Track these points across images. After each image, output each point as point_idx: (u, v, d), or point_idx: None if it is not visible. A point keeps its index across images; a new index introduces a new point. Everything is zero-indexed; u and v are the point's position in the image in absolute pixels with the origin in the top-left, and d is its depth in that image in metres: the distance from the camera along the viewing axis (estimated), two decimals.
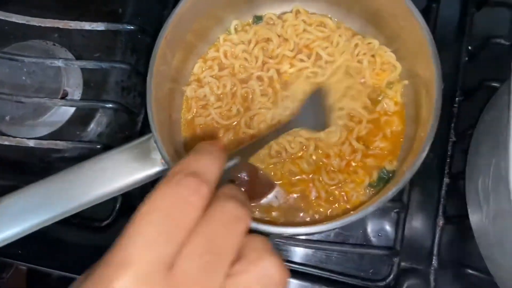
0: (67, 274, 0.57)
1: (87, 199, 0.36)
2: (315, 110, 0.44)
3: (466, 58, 0.57)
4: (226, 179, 0.29)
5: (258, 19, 0.51)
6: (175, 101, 0.48)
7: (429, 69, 0.40)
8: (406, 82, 0.49)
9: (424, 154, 0.38)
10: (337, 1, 0.49)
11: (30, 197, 0.35)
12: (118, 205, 0.56)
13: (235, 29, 0.51)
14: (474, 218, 0.42)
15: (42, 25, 0.55)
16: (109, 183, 0.35)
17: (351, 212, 0.38)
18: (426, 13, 0.59)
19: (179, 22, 0.40)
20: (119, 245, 0.23)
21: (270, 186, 0.46)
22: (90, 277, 0.23)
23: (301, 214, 0.46)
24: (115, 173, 0.36)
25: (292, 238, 0.50)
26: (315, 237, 0.52)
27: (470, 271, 0.46)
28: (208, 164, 0.26)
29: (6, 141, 0.52)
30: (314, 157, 0.47)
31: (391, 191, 0.37)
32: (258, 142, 0.39)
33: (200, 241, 0.24)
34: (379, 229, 0.54)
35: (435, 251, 0.52)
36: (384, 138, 0.48)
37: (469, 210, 0.43)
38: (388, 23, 0.46)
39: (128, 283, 0.22)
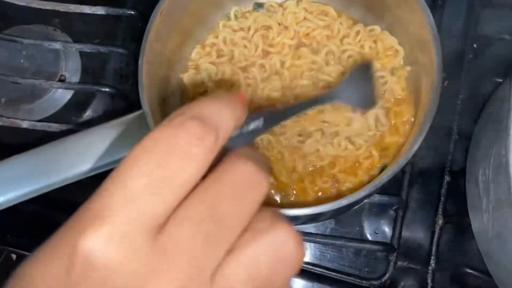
0: None
1: (73, 173, 0.35)
2: (360, 84, 0.38)
3: (471, 56, 0.56)
4: (245, 145, 0.23)
5: (258, 6, 0.50)
6: (171, 87, 0.47)
7: (429, 54, 0.39)
8: (409, 68, 0.48)
9: (421, 138, 0.37)
10: None
11: (13, 169, 0.34)
12: None
13: (235, 15, 0.50)
14: (473, 212, 0.40)
15: (43, 7, 0.55)
16: (96, 157, 0.34)
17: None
18: (431, 10, 0.58)
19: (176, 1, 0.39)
20: (94, 199, 0.19)
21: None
22: (54, 235, 0.19)
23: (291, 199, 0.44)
24: (103, 148, 0.35)
25: None
26: (311, 230, 0.50)
27: (468, 270, 0.45)
28: (221, 112, 0.20)
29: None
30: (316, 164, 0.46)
31: (387, 174, 0.35)
32: (286, 110, 0.34)
33: (200, 205, 0.19)
34: (376, 227, 0.52)
35: (433, 251, 0.50)
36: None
37: (468, 205, 0.42)
38: (389, 11, 0.45)
39: (97, 244, 0.17)
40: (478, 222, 0.40)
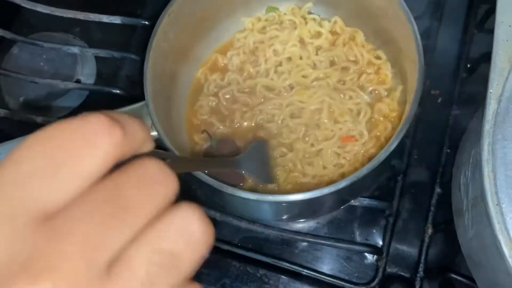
0: None
1: None
2: (260, 161, 0.42)
3: (464, 75, 0.59)
4: None
5: (272, 9, 0.54)
6: (176, 85, 0.50)
7: (410, 40, 0.41)
8: (401, 88, 0.51)
9: (415, 107, 0.39)
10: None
11: None
12: None
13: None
14: (457, 215, 0.42)
15: (64, 15, 0.60)
16: None
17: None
18: (427, 32, 0.61)
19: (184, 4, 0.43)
20: None
21: (241, 178, 0.47)
22: None
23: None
24: None
25: (276, 228, 0.50)
26: (302, 229, 0.52)
27: (454, 276, 0.46)
28: (132, 121, 0.20)
29: (16, 117, 0.55)
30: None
31: (383, 152, 0.37)
32: (199, 162, 0.37)
33: (102, 190, 0.18)
34: (367, 235, 0.54)
35: (422, 259, 0.51)
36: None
37: (453, 209, 0.43)
38: (375, 17, 0.48)
39: None
40: (461, 224, 0.41)
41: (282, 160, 0.47)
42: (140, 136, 0.20)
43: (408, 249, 0.52)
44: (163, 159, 0.20)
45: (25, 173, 0.17)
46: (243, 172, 0.38)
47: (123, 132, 0.18)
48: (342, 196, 0.44)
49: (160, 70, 0.43)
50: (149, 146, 0.21)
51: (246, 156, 0.39)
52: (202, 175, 0.39)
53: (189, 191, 0.56)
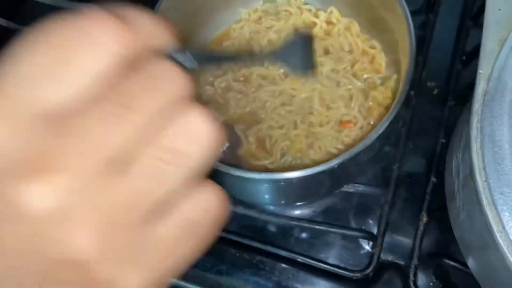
0: None
1: None
2: (300, 51, 0.40)
3: (459, 67, 0.59)
4: None
5: (269, 0, 0.55)
6: None
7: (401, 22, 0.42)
8: (395, 76, 0.51)
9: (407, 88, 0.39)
10: None
11: None
12: None
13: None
14: (450, 199, 0.42)
15: (67, 7, 0.61)
16: None
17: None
18: (424, 25, 0.62)
19: None
20: None
21: (239, 141, 0.48)
22: None
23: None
24: None
25: (272, 214, 0.51)
26: (295, 215, 0.53)
27: (447, 261, 0.46)
28: (141, 17, 0.18)
29: None
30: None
31: (374, 131, 0.38)
32: (225, 55, 0.33)
33: (110, 91, 0.17)
34: (363, 224, 0.54)
35: (416, 247, 0.51)
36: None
37: (446, 194, 0.44)
38: (370, 7, 0.49)
39: None
40: (453, 208, 0.42)
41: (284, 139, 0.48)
42: (151, 31, 0.19)
43: (403, 238, 0.53)
44: (183, 51, 0.20)
45: (27, 72, 0.16)
46: (283, 62, 0.35)
47: (130, 29, 0.17)
48: (337, 177, 0.44)
49: None
50: (163, 40, 0.19)
51: (285, 49, 0.36)
52: None
53: None
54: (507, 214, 0.31)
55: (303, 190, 0.45)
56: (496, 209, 0.32)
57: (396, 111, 0.38)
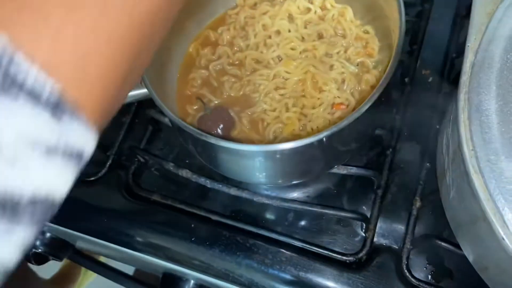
0: (53, 225, 0.59)
1: None
2: None
3: (454, 55, 0.60)
4: None
5: None
6: (170, 55, 0.52)
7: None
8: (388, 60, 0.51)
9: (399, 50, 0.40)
10: None
11: None
12: (109, 162, 0.59)
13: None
14: (441, 179, 0.43)
15: None
16: None
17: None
18: (418, 16, 0.63)
19: None
20: None
21: (232, 123, 0.49)
22: None
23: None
24: None
25: (266, 196, 0.51)
26: (289, 197, 0.53)
27: (439, 242, 0.46)
28: None
29: None
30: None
31: (364, 104, 0.38)
32: None
33: None
34: (356, 208, 0.54)
35: (409, 231, 0.51)
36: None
37: (437, 173, 0.44)
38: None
39: None
40: (444, 187, 0.42)
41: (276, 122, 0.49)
42: None
43: (396, 222, 0.52)
44: None
45: None
46: None
47: None
48: (328, 152, 0.44)
49: None
50: None
51: None
52: (190, 128, 0.40)
53: (187, 157, 0.58)
54: (493, 181, 0.31)
55: (295, 166, 0.45)
56: (483, 176, 0.32)
57: (384, 85, 0.38)
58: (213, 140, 0.39)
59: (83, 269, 0.92)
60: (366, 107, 0.37)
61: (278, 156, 0.40)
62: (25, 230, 0.20)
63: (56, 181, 0.21)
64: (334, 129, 0.37)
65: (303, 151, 0.40)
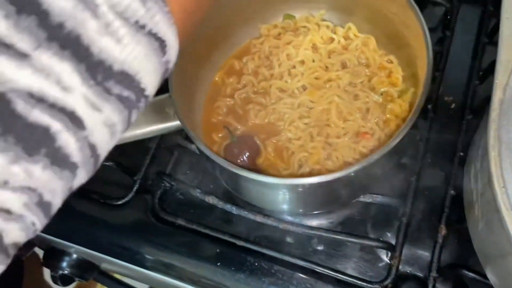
0: (81, 248, 0.60)
1: None
2: None
3: (477, 82, 0.60)
4: None
5: (289, 17, 0.57)
6: (197, 86, 0.53)
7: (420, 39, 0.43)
8: (413, 89, 0.52)
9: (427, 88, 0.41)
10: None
11: None
12: (136, 187, 0.60)
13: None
14: (468, 209, 0.43)
15: None
16: None
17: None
18: (440, 41, 0.64)
19: None
20: None
21: (258, 150, 0.50)
22: None
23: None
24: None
25: (290, 223, 0.51)
26: (313, 223, 0.53)
27: (466, 272, 0.46)
28: None
29: None
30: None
31: (392, 139, 0.39)
32: None
33: None
34: (381, 234, 0.54)
35: (435, 259, 0.51)
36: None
37: (464, 204, 0.44)
38: (389, 22, 0.51)
39: None
40: (471, 217, 0.42)
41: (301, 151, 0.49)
42: None
43: (422, 250, 0.53)
44: None
45: None
46: None
47: None
48: (354, 185, 0.45)
49: (182, 69, 0.46)
50: None
51: None
52: (220, 160, 0.41)
53: (212, 182, 0.59)
54: None
55: (321, 197, 0.46)
56: None
57: (414, 120, 0.39)
58: (244, 173, 0.40)
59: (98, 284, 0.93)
60: (397, 140, 0.38)
61: (303, 188, 0.41)
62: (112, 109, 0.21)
63: (143, 62, 0.21)
64: (363, 163, 0.38)
65: (329, 183, 0.41)
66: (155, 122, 0.43)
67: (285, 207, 0.49)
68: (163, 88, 0.64)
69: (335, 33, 0.56)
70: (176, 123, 0.43)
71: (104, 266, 0.66)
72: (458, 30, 0.63)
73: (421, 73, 0.46)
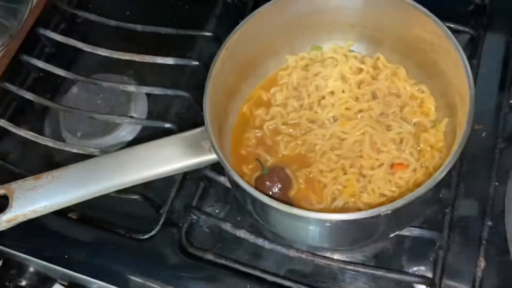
0: (106, 284, 0.59)
1: (143, 175, 0.40)
2: None
3: (507, 110, 0.59)
4: None
5: (316, 49, 0.57)
6: (227, 117, 0.53)
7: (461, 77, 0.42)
8: (447, 120, 0.51)
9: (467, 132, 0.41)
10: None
11: (88, 169, 0.40)
12: (162, 220, 0.59)
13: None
14: None
15: (122, 57, 0.65)
16: (162, 163, 0.40)
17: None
18: None
19: (240, 37, 0.47)
20: None
21: (290, 182, 0.49)
22: None
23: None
24: (169, 155, 0.40)
25: (327, 258, 0.50)
26: (346, 258, 0.52)
27: None
28: None
29: (75, 149, 0.59)
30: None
31: (432, 179, 0.38)
32: None
33: None
34: (415, 269, 0.53)
35: None
36: None
37: (508, 237, 0.42)
38: (421, 52, 0.50)
39: None
40: None
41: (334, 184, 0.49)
42: None
43: (461, 284, 0.51)
44: None
45: None
46: None
47: None
48: (389, 222, 0.44)
49: (215, 102, 0.46)
50: None
51: None
52: (256, 192, 0.40)
53: (239, 215, 0.58)
54: None
55: (354, 234, 0.45)
56: None
57: (457, 157, 0.38)
58: (278, 206, 0.39)
59: None
60: (442, 176, 0.37)
61: (336, 224, 0.40)
62: None
63: None
64: (400, 203, 0.37)
65: (365, 220, 0.39)
66: (191, 156, 0.42)
67: (317, 241, 0.48)
68: (196, 122, 0.65)
69: (363, 63, 0.55)
70: (212, 156, 0.43)
71: None
72: (485, 57, 0.63)
73: (458, 101, 0.45)
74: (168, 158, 0.41)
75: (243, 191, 0.42)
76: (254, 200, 0.41)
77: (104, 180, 0.40)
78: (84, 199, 0.40)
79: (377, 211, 0.36)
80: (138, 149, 0.42)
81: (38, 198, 0.39)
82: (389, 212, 0.37)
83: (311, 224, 0.42)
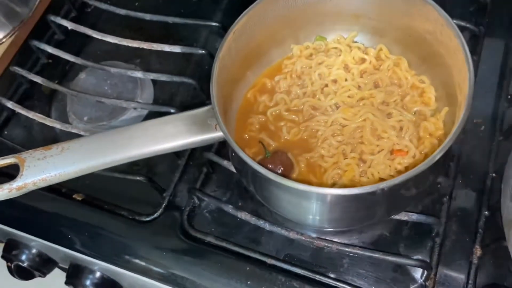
0: (107, 264, 0.60)
1: (148, 150, 0.41)
2: None
3: (506, 104, 0.60)
4: None
5: (320, 39, 0.58)
6: (231, 102, 0.54)
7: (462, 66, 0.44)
8: (447, 109, 0.53)
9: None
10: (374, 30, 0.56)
11: (96, 142, 0.41)
12: (164, 203, 0.60)
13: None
14: (508, 227, 0.42)
15: (130, 45, 0.66)
16: (168, 139, 0.41)
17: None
18: None
19: (247, 23, 0.48)
20: None
21: (291, 166, 0.50)
22: None
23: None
24: (175, 131, 0.41)
25: (326, 240, 0.51)
26: (344, 241, 0.53)
27: None
28: None
29: (81, 131, 0.60)
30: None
31: (429, 159, 0.39)
32: None
33: None
34: (413, 256, 0.53)
35: (471, 280, 0.50)
36: None
37: (503, 221, 0.44)
38: (423, 42, 0.51)
39: None
40: None
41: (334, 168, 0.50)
42: None
43: (456, 271, 0.52)
44: None
45: None
46: None
47: None
48: (388, 202, 0.45)
49: (220, 86, 0.47)
50: None
51: None
52: (258, 166, 0.41)
53: (241, 200, 0.59)
54: None
55: (352, 212, 0.46)
56: None
57: (452, 141, 0.39)
58: (280, 180, 0.40)
59: None
60: (440, 155, 0.38)
61: (335, 200, 0.41)
62: None
63: None
64: (402, 178, 0.38)
65: (365, 198, 0.41)
66: (197, 133, 0.43)
67: (317, 221, 0.48)
68: (202, 101, 0.66)
69: (366, 54, 0.57)
70: (218, 134, 0.44)
71: (128, 283, 0.65)
72: (485, 53, 0.64)
73: (459, 91, 0.46)
74: (174, 135, 0.42)
75: (246, 169, 0.43)
76: (257, 177, 0.42)
77: (111, 153, 0.41)
78: (92, 171, 0.41)
79: (376, 187, 0.38)
80: (145, 124, 0.43)
81: (48, 168, 0.40)
82: (386, 189, 0.38)
83: (311, 200, 0.43)
